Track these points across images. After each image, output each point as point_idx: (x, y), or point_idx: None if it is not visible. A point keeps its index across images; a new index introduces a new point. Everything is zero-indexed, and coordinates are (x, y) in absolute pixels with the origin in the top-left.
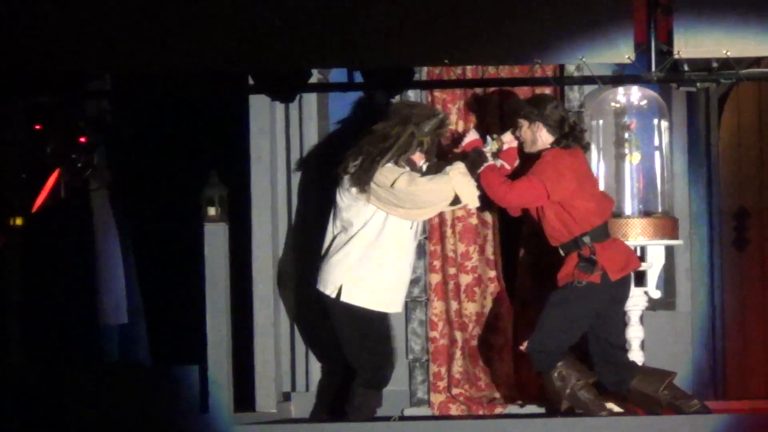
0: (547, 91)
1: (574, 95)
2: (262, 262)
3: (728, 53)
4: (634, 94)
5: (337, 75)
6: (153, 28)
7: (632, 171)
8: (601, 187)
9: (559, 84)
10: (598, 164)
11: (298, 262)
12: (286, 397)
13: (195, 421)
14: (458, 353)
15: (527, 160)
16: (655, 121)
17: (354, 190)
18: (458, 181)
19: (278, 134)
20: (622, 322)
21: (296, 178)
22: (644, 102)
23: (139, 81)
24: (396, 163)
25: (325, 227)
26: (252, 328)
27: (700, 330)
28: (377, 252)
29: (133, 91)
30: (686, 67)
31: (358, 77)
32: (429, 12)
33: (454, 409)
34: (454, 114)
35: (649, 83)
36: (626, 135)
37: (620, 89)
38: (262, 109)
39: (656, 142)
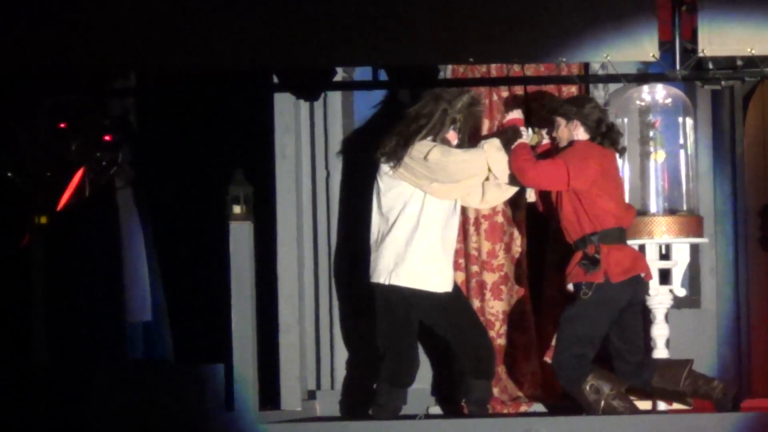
0: (573, 89)
1: (599, 93)
2: (287, 260)
3: (753, 51)
4: (658, 93)
5: (362, 73)
6: (178, 26)
7: (657, 169)
8: (626, 185)
9: (584, 82)
10: (623, 162)
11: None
12: (311, 395)
13: (220, 419)
14: None
15: None
16: (680, 119)
17: (390, 170)
18: (492, 154)
19: (303, 132)
20: (637, 326)
21: (323, 174)
22: (669, 100)
23: (164, 79)
24: (431, 140)
25: (368, 221)
26: (277, 326)
27: (725, 328)
28: (420, 233)
29: (157, 89)
30: (711, 65)
31: (383, 75)
32: (454, 10)
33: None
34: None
35: (674, 81)
36: (651, 133)
37: (645, 87)
38: (286, 107)
39: (681, 140)
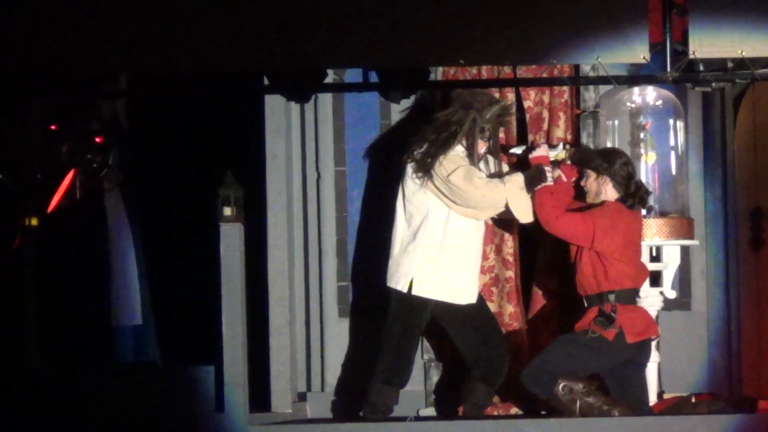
0: (565, 90)
1: (590, 95)
2: (277, 262)
3: (743, 53)
4: (649, 95)
5: (353, 75)
6: (169, 28)
7: (648, 171)
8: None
9: (575, 84)
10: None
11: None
12: (302, 397)
13: (210, 421)
14: None
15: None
16: (671, 121)
17: (419, 177)
18: (513, 193)
19: (293, 134)
20: (642, 384)
21: (313, 176)
22: (659, 102)
23: (155, 81)
24: (465, 148)
25: (390, 223)
26: (267, 328)
27: (715, 330)
28: (446, 243)
29: (148, 92)
30: (701, 67)
31: (374, 77)
32: (444, 12)
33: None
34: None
35: (665, 83)
36: (642, 135)
37: (636, 89)
38: (277, 109)
39: (672, 142)
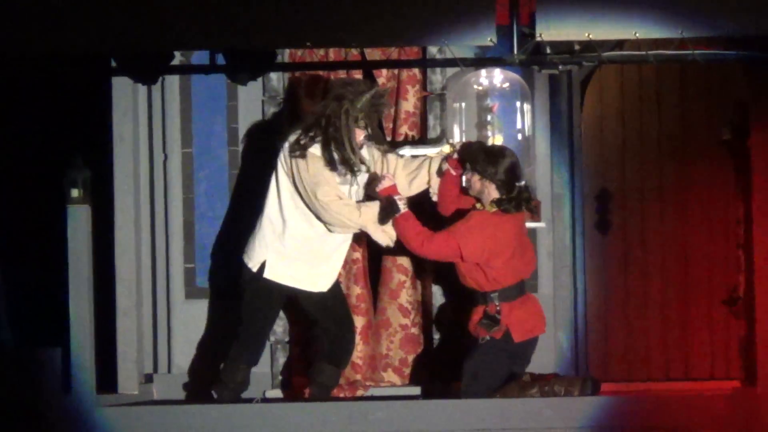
0: (416, 72)
1: (437, 77)
2: (124, 244)
3: (590, 36)
4: (496, 77)
5: (200, 57)
6: (13, 8)
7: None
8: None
9: (422, 66)
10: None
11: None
12: (149, 378)
13: (58, 402)
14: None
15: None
16: (518, 103)
17: (285, 164)
18: (368, 224)
19: (141, 116)
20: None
21: (160, 158)
22: (506, 84)
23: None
24: (334, 143)
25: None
26: (114, 310)
27: (562, 312)
28: (286, 232)
29: None
30: (548, 50)
31: (221, 59)
32: None
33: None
34: (317, 96)
35: (512, 66)
36: (489, 117)
37: (482, 72)
38: (124, 91)
39: (518, 125)
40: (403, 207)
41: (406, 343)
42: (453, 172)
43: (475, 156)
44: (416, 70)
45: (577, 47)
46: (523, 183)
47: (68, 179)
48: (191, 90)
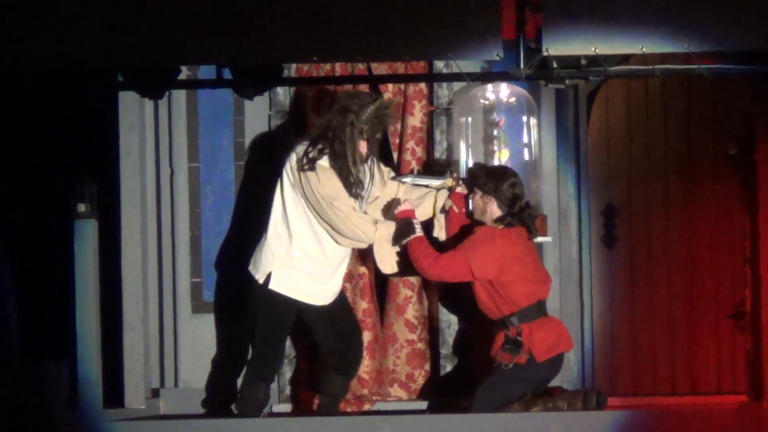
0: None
1: (443, 92)
2: (131, 258)
3: (597, 50)
4: (503, 92)
5: (206, 72)
6: (20, 23)
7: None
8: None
9: (429, 81)
10: (466, 162)
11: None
12: (155, 393)
13: (64, 416)
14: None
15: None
16: (524, 118)
17: (292, 177)
18: (379, 243)
19: (147, 130)
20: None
21: (167, 172)
22: (513, 99)
23: (6, 76)
24: (347, 155)
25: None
26: (121, 324)
27: (568, 326)
28: (293, 244)
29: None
30: (555, 65)
31: (227, 74)
32: (297, 8)
33: None
34: (324, 110)
35: (518, 80)
36: (495, 132)
37: (489, 86)
38: (131, 106)
39: (525, 139)
40: (419, 231)
41: (412, 359)
42: (456, 210)
43: (476, 174)
44: (422, 86)
45: (583, 62)
46: (525, 201)
47: (75, 193)
48: (198, 104)
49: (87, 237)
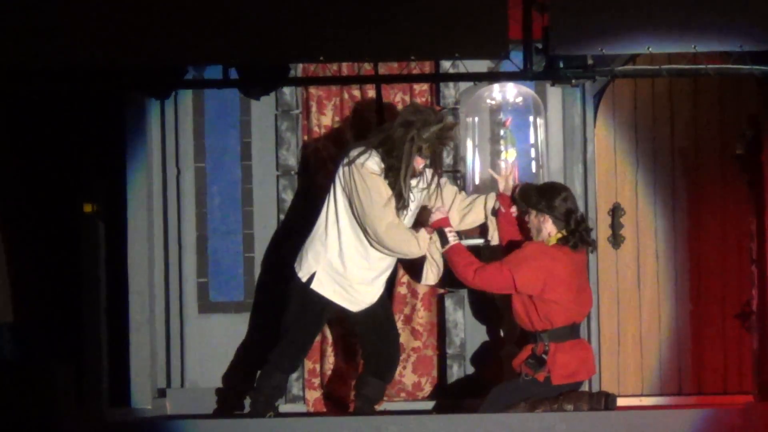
0: (425, 87)
1: (450, 92)
2: (137, 258)
3: (603, 50)
4: (509, 91)
5: (213, 72)
6: (27, 25)
7: (508, 167)
8: (476, 182)
9: (436, 81)
10: (473, 161)
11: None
12: (162, 393)
13: (70, 416)
14: (329, 350)
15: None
16: (531, 118)
17: (343, 180)
18: (426, 252)
19: (154, 130)
20: None
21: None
22: (520, 99)
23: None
24: (395, 168)
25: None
26: (127, 324)
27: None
28: (349, 249)
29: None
30: (561, 64)
31: (234, 74)
32: (303, 8)
33: (329, 406)
34: (330, 110)
35: (525, 80)
36: (502, 132)
37: (496, 86)
38: (138, 106)
39: (532, 139)
40: (453, 239)
41: (419, 366)
42: (503, 210)
43: (528, 194)
44: (428, 95)
45: (590, 61)
46: (579, 214)
47: (82, 193)
48: (204, 105)
49: (93, 237)
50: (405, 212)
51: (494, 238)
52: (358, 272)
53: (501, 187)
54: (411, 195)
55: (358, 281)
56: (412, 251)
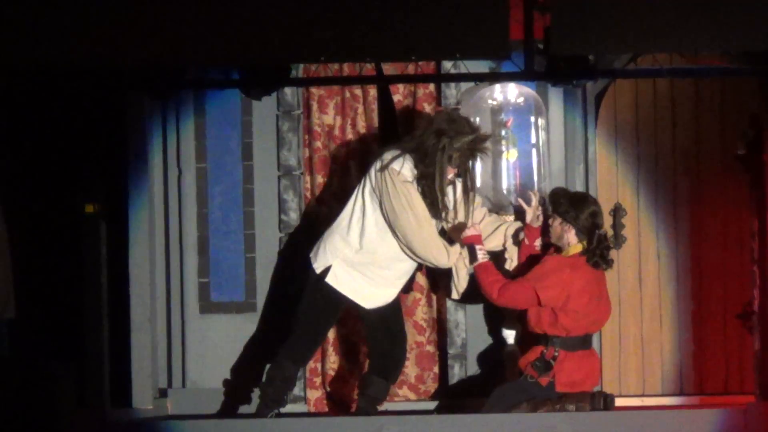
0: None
1: (451, 92)
2: (139, 259)
3: (605, 50)
4: (510, 92)
5: (214, 72)
6: (27, 24)
7: (509, 168)
8: (477, 183)
9: (436, 81)
10: (474, 161)
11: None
12: (163, 393)
13: (71, 417)
14: (331, 349)
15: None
16: (532, 118)
17: (374, 181)
18: (459, 267)
19: (155, 131)
20: None
21: (174, 173)
22: (521, 99)
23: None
24: (427, 176)
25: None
26: (128, 324)
27: None
28: (370, 247)
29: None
30: (563, 65)
31: (235, 74)
32: (304, 9)
33: (330, 406)
34: (332, 109)
35: (526, 80)
36: (503, 132)
37: (497, 86)
38: (139, 107)
39: (533, 140)
40: (482, 257)
41: (421, 360)
42: (527, 242)
43: (558, 199)
44: (432, 88)
45: (591, 62)
46: (603, 233)
47: (83, 194)
48: (205, 105)
49: (95, 237)
50: (439, 221)
51: (511, 267)
52: (377, 271)
53: (528, 218)
54: (445, 203)
55: (377, 280)
56: (441, 261)
